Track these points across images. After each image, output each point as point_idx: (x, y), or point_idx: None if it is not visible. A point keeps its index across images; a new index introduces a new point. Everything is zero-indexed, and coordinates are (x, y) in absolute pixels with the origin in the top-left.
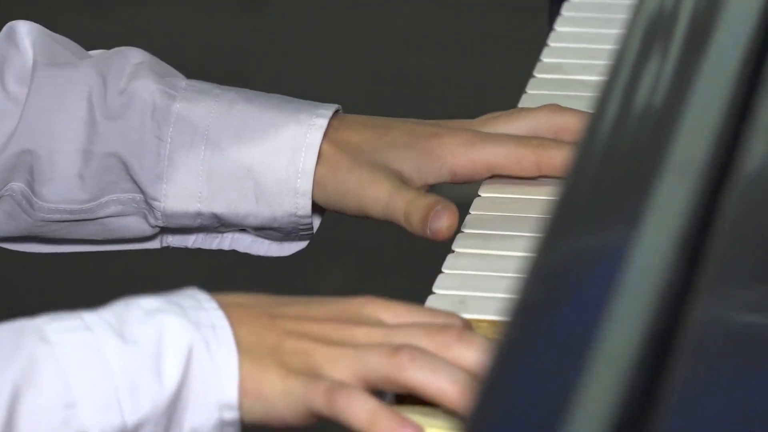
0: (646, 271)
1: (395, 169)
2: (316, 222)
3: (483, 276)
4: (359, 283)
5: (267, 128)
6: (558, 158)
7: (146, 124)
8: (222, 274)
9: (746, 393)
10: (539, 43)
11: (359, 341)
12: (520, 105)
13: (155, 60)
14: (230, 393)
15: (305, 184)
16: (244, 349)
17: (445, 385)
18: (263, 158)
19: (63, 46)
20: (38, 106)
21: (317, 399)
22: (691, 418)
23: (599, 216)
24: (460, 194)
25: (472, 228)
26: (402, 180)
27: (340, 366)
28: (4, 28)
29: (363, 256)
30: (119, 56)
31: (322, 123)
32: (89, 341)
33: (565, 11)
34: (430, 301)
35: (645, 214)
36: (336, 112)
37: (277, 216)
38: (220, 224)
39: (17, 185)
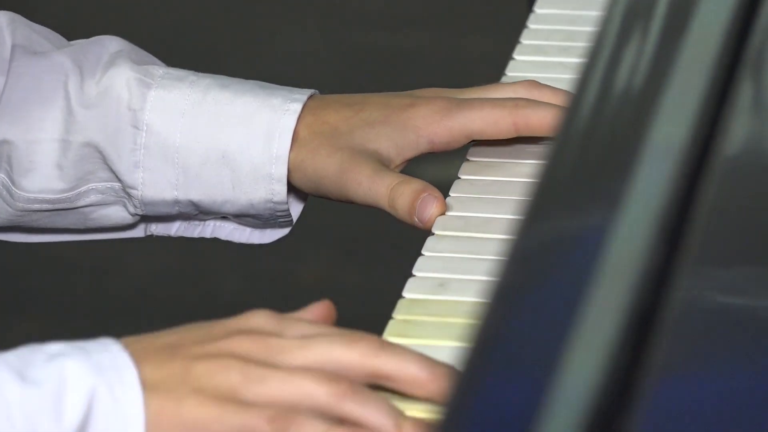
0: (626, 253)
1: (373, 149)
2: (298, 209)
3: (463, 258)
4: (340, 269)
5: (241, 114)
6: (534, 117)
7: (122, 113)
8: (204, 264)
9: (725, 373)
10: (518, 24)
11: (274, 357)
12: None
13: (134, 48)
14: None
15: (280, 170)
16: (151, 386)
17: (386, 418)
18: (238, 145)
19: (41, 35)
20: (16, 95)
21: (261, 428)
22: (671, 398)
23: (579, 199)
24: (440, 177)
25: (452, 211)
26: (381, 159)
27: (264, 388)
28: None
29: (343, 240)
30: (96, 45)
31: (296, 108)
32: None
33: None
34: (410, 284)
35: (625, 197)
36: (311, 97)
37: (254, 203)
38: (198, 212)
39: None
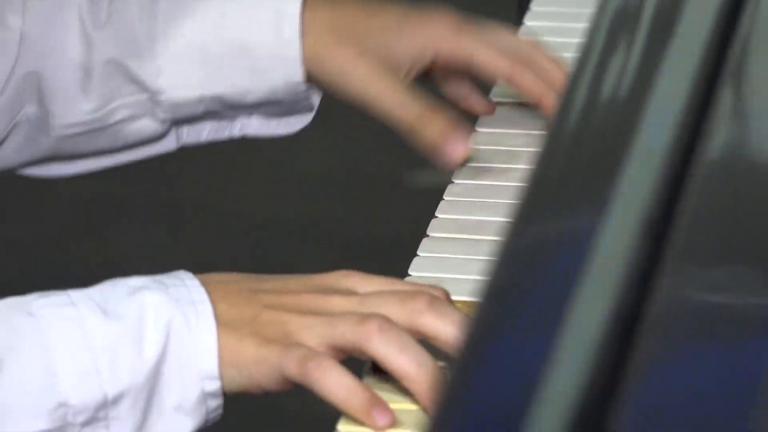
0: (612, 253)
1: (391, 57)
2: (316, 99)
3: (457, 259)
4: (336, 268)
5: (249, 5)
6: (528, 79)
7: (135, 26)
8: (205, 264)
9: (706, 367)
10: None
11: (333, 310)
12: (493, 94)
13: None
14: (210, 363)
15: (293, 52)
16: (223, 322)
17: (408, 365)
18: (251, 34)
19: None
20: (34, 30)
21: (291, 367)
22: (655, 392)
23: (568, 201)
24: (435, 181)
25: (446, 213)
26: (397, 67)
27: (312, 333)
28: None
29: (339, 241)
30: None
31: None
32: (72, 315)
33: (534, 6)
34: None
35: (611, 199)
36: None
37: (274, 87)
38: (224, 107)
39: (30, 109)
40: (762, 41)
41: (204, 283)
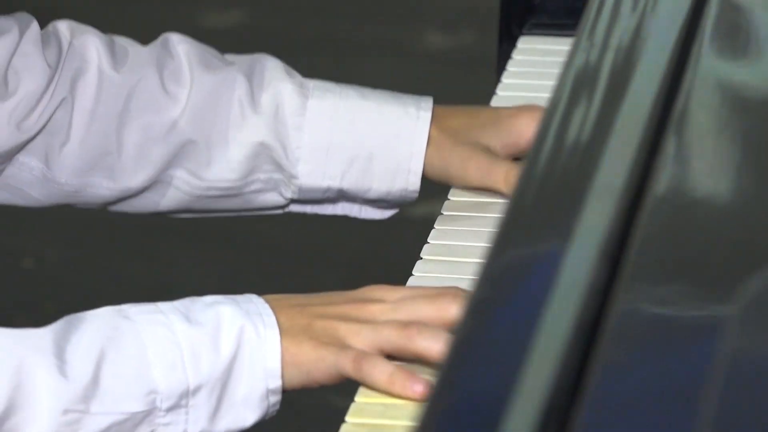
0: (575, 274)
1: (485, 144)
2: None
3: (446, 278)
4: (345, 285)
5: (383, 120)
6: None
7: (286, 118)
8: (230, 285)
9: (656, 372)
10: (488, 91)
11: (372, 316)
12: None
13: (283, 64)
14: (274, 364)
15: (416, 165)
16: (284, 330)
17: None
18: (382, 145)
19: (209, 53)
20: (198, 104)
21: (347, 365)
22: (612, 393)
23: (538, 230)
24: (427, 212)
25: (437, 240)
26: (491, 152)
27: (360, 337)
28: (160, 39)
29: (347, 262)
30: (258, 62)
31: (426, 115)
32: (162, 320)
33: (510, 67)
34: None
35: (575, 229)
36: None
37: (392, 191)
38: (342, 197)
39: (179, 171)
40: (701, 96)
41: (266, 300)
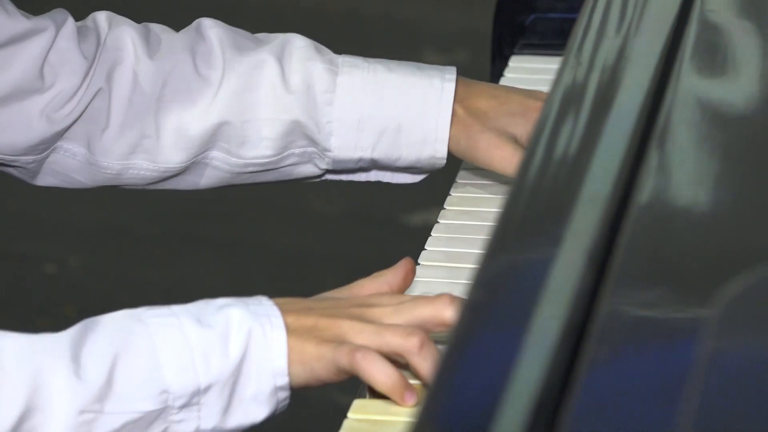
0: (564, 278)
1: (512, 132)
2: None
3: (443, 282)
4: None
5: (410, 92)
6: None
7: (318, 95)
8: (239, 288)
9: (640, 371)
10: None
11: (375, 317)
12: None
13: (312, 42)
14: (281, 363)
15: (443, 134)
16: (290, 331)
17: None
18: (410, 116)
19: (241, 35)
20: (230, 86)
21: (343, 358)
22: (597, 389)
23: (528, 237)
24: (424, 220)
25: (434, 246)
26: (517, 141)
27: (362, 336)
28: (193, 24)
29: (348, 267)
30: (288, 42)
31: (450, 87)
32: (174, 323)
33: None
34: None
35: (563, 236)
36: (459, 79)
37: (421, 159)
38: (373, 165)
39: (215, 151)
40: (682, 111)
41: (275, 303)
